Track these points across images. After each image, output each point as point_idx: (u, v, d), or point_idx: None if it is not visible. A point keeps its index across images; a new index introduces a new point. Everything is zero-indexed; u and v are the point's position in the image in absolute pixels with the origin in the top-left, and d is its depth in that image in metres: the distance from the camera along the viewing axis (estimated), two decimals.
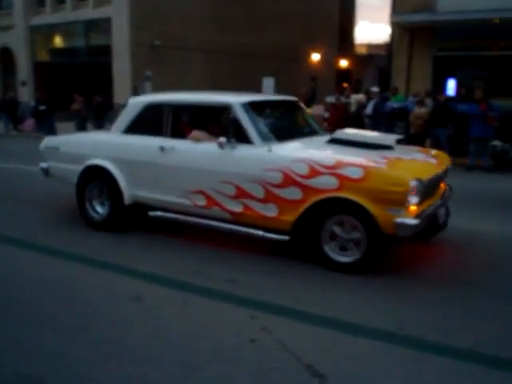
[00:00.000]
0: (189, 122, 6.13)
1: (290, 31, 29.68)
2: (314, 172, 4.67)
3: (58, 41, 26.49)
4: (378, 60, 33.90)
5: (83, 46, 24.92)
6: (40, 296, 4.15)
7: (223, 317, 3.83)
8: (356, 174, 4.52)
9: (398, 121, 13.18)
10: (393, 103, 13.79)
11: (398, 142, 5.49)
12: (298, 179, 4.72)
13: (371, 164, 4.59)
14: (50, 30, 25.92)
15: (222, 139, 5.08)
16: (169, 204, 5.62)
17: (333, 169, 4.60)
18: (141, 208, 5.92)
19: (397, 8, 16.38)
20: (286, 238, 4.91)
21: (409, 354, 3.32)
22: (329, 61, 33.75)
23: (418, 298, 4.23)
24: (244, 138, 5.12)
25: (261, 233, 5.00)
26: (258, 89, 17.90)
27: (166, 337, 3.49)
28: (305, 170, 4.70)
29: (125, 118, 6.11)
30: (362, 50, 40.99)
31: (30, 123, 20.34)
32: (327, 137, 5.70)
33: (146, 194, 5.77)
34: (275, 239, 4.96)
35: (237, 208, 5.10)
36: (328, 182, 4.60)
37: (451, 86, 15.82)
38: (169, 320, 3.76)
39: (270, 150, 4.96)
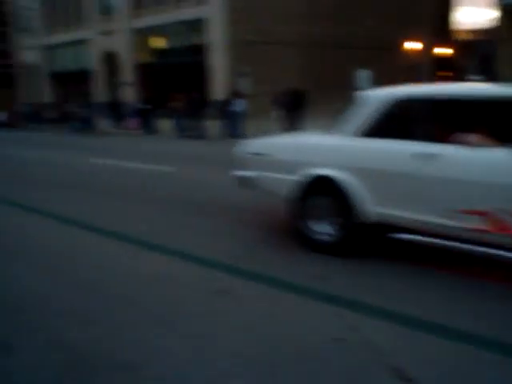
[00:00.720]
0: (450, 122, 4.70)
1: (383, 19, 28.87)
2: None
3: (158, 42, 27.67)
4: (480, 46, 32.18)
5: (182, 45, 25.84)
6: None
7: (310, 314, 3.73)
8: None
9: None
10: None
11: None
12: None
13: None
14: (151, 31, 27.14)
15: None
16: (426, 225, 4.37)
17: None
18: (378, 228, 4.79)
19: None
20: None
21: (498, 360, 3.07)
22: (426, 49, 32.49)
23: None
24: None
25: None
26: (352, 81, 17.64)
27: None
28: None
29: (361, 116, 4.77)
30: (463, 36, 39.06)
31: (133, 122, 21.48)
32: None
33: (395, 212, 4.50)
34: None
35: None
36: None
37: None
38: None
39: None
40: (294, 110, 15.41)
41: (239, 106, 16.11)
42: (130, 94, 27.40)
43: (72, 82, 34.93)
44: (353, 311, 3.72)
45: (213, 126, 17.78)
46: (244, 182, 5.74)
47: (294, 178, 5.04)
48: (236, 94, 16.80)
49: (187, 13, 24.54)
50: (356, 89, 12.23)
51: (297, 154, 5.19)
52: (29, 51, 35.53)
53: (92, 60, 30.81)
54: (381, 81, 11.84)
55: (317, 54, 25.36)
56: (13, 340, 3.40)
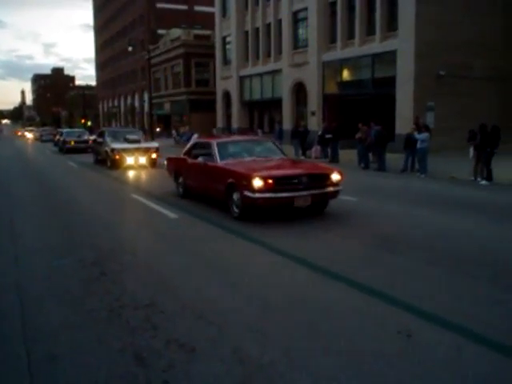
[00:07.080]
0: None
1: None
2: None
3: (345, 74, 28.53)
4: None
5: (368, 78, 26.36)
6: None
7: None
8: None
9: None
10: None
11: None
12: None
13: None
14: (339, 64, 28.14)
15: None
16: None
17: None
18: None
19: None
20: None
21: None
22: None
23: None
24: None
25: None
26: None
27: None
28: None
29: None
30: None
31: (316, 150, 22.41)
32: None
33: None
34: None
35: None
36: None
37: None
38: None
39: None
40: (487, 147, 14.55)
41: (422, 140, 15.88)
42: (314, 123, 28.61)
43: (261, 110, 37.51)
44: None
45: (394, 159, 17.85)
46: None
47: None
48: (420, 128, 16.63)
49: (376, 46, 24.97)
50: None
51: None
52: (225, 80, 39.08)
53: (281, 90, 32.78)
54: None
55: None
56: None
